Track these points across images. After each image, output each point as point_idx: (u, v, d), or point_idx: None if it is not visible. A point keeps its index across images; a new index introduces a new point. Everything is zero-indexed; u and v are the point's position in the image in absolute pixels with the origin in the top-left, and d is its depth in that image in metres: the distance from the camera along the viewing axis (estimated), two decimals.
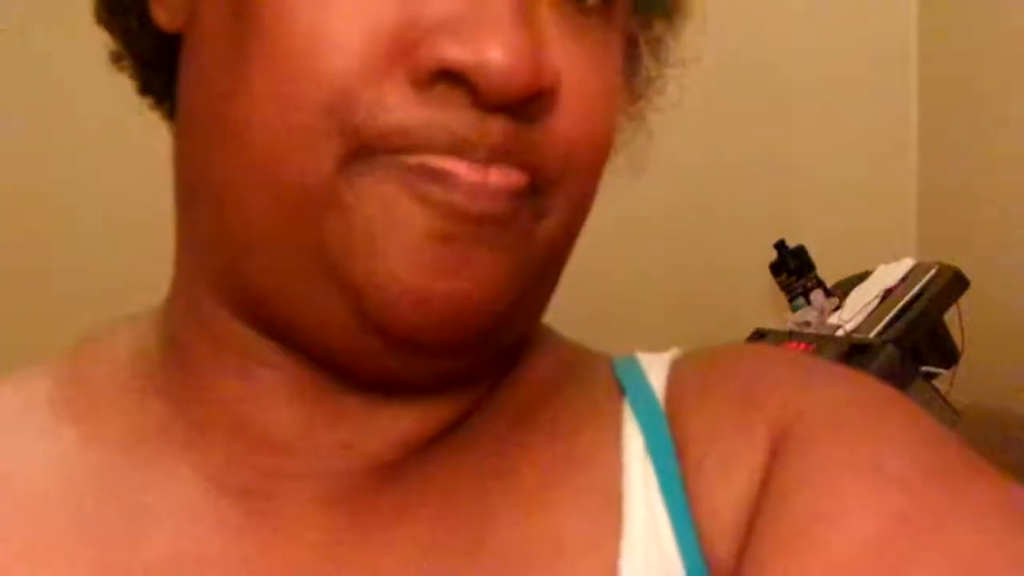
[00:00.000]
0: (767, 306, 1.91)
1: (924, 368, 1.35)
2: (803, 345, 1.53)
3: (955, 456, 0.41)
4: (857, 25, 2.07)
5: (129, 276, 1.72)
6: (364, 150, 0.38)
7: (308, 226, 0.39)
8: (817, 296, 1.69)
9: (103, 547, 0.42)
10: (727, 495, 0.43)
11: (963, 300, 1.41)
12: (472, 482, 0.45)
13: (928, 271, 1.44)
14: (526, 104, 0.38)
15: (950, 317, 1.42)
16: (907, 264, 1.52)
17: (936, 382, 1.37)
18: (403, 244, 0.38)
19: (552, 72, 0.39)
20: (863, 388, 0.45)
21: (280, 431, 0.44)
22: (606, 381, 0.50)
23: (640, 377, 0.49)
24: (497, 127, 0.38)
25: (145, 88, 0.51)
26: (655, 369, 0.50)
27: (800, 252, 1.78)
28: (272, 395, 0.44)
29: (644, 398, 0.48)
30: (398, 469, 0.45)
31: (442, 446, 0.46)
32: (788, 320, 1.73)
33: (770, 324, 1.78)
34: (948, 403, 1.34)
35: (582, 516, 0.43)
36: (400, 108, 0.37)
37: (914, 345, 1.35)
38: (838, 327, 1.54)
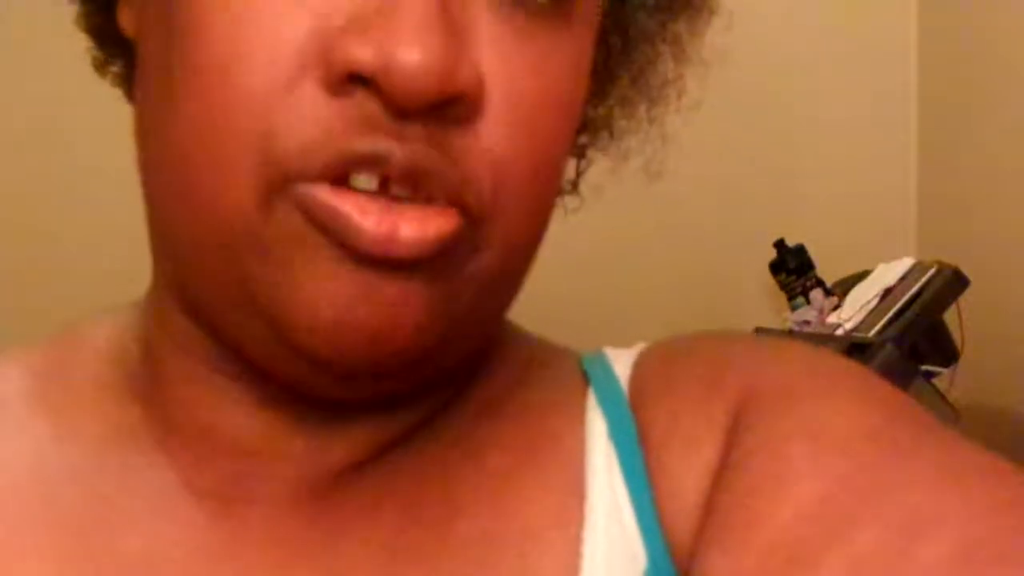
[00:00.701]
0: (767, 305, 1.92)
1: (924, 367, 1.35)
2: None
3: (904, 419, 0.41)
4: (857, 25, 2.07)
5: (125, 274, 1.72)
6: (282, 179, 0.36)
7: (232, 260, 0.38)
8: (817, 295, 1.69)
9: (74, 543, 0.42)
10: (688, 476, 0.42)
11: (963, 299, 1.41)
12: (438, 471, 0.45)
13: (927, 270, 1.44)
14: (442, 109, 0.36)
15: (950, 316, 1.42)
16: (907, 263, 1.52)
17: (935, 381, 1.37)
18: (316, 276, 0.37)
19: (471, 75, 0.36)
20: (817, 361, 0.45)
21: (244, 437, 0.44)
22: (572, 374, 0.49)
23: (606, 368, 0.49)
24: (414, 135, 0.36)
25: (131, 96, 0.51)
26: (621, 361, 0.49)
27: (800, 251, 1.78)
28: (234, 404, 0.44)
29: (608, 387, 0.47)
30: (364, 468, 0.45)
31: (408, 444, 0.46)
32: (788, 319, 1.74)
33: (770, 323, 1.78)
34: (947, 402, 1.34)
35: (547, 498, 0.43)
36: (313, 119, 0.36)
37: (914, 344, 1.35)
38: (838, 326, 1.54)
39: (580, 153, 0.55)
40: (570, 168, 0.55)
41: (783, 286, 1.79)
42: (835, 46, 2.07)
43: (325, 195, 0.36)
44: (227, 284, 0.39)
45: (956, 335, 1.43)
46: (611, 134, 0.53)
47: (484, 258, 0.40)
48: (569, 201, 0.56)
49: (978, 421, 1.63)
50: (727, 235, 2.02)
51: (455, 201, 0.37)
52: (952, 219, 1.94)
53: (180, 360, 0.45)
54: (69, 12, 0.51)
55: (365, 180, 0.36)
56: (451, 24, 0.36)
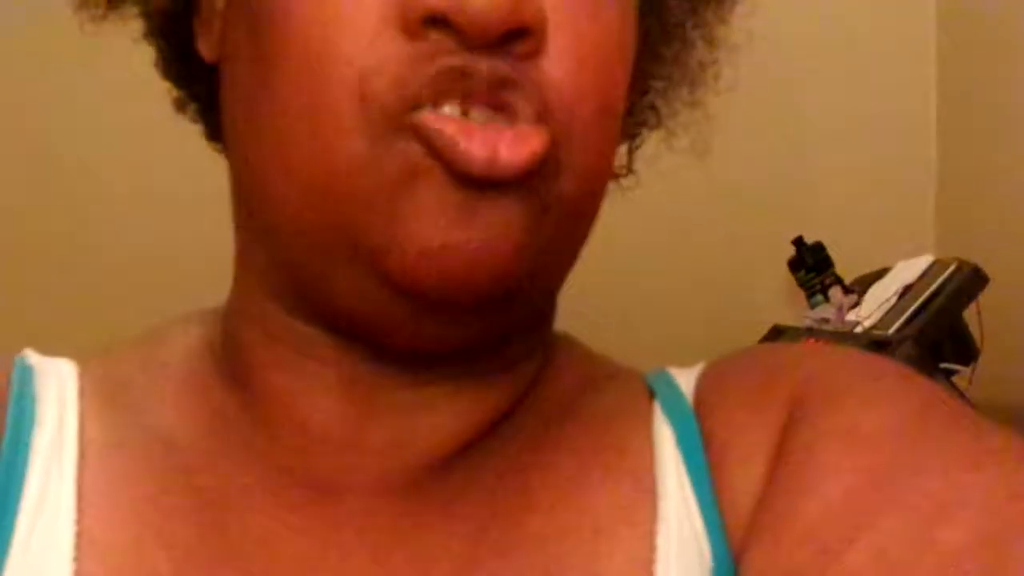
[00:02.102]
0: (785, 303, 1.91)
1: (943, 365, 1.34)
2: (821, 342, 1.52)
3: (935, 411, 0.43)
4: (876, 23, 2.06)
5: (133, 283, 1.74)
6: (383, 115, 0.40)
7: (336, 210, 0.41)
8: (835, 293, 1.69)
9: (203, 516, 0.45)
10: (746, 482, 0.45)
11: (982, 297, 1.40)
12: (514, 470, 0.48)
13: (947, 268, 1.44)
14: (510, 42, 0.39)
15: (969, 314, 1.42)
16: (926, 261, 1.52)
17: (955, 379, 1.36)
18: (418, 206, 0.40)
19: (534, 10, 0.40)
20: (862, 363, 0.48)
21: (334, 428, 0.47)
22: (637, 386, 0.52)
23: (670, 383, 0.52)
24: (485, 66, 0.40)
25: (211, 134, 0.55)
26: (684, 377, 0.52)
27: (818, 249, 1.78)
28: (323, 391, 0.47)
29: (674, 399, 0.50)
30: (446, 465, 0.47)
31: (485, 444, 0.49)
32: (806, 317, 1.73)
33: (788, 321, 1.77)
34: (967, 400, 1.33)
35: (618, 497, 0.46)
36: (397, 58, 0.40)
37: (933, 342, 1.35)
38: (856, 324, 1.54)
39: (631, 134, 0.59)
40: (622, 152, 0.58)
41: (802, 284, 1.78)
42: (853, 44, 2.06)
43: (437, 122, 0.39)
44: (330, 236, 0.42)
45: (976, 333, 1.42)
46: (658, 116, 0.57)
47: (566, 181, 0.43)
48: (624, 182, 0.60)
49: (998, 419, 1.61)
50: (746, 233, 2.01)
51: (539, 118, 0.41)
52: (971, 217, 1.93)
53: (268, 348, 0.48)
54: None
55: (450, 109, 0.40)
56: None
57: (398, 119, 0.40)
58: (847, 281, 1.73)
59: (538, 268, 0.44)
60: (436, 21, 0.39)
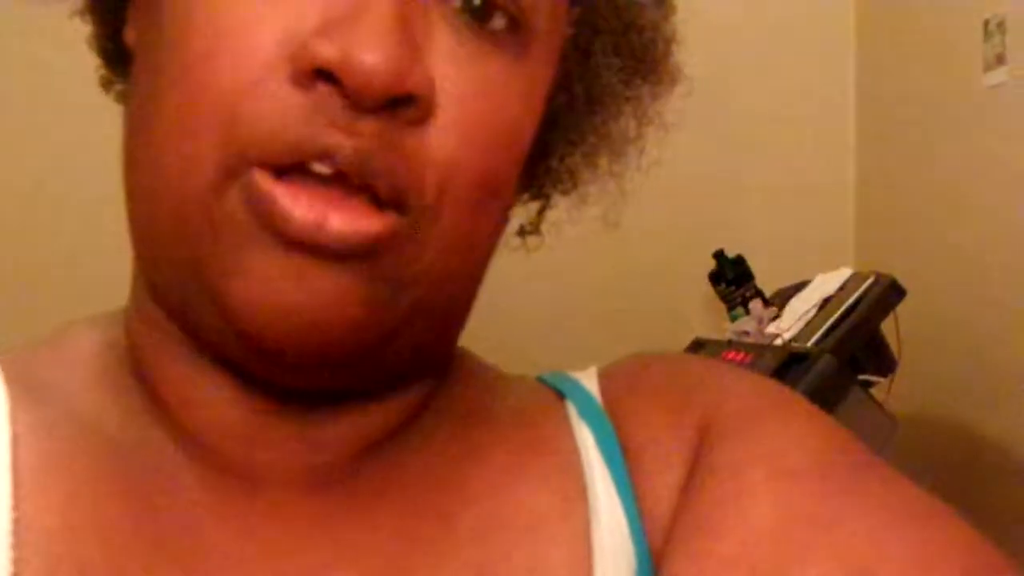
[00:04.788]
0: (706, 315, 1.92)
1: (862, 376, 1.35)
2: (742, 354, 1.53)
3: (851, 453, 0.46)
4: (796, 40, 2.09)
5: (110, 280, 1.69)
6: (237, 164, 0.40)
7: (187, 243, 0.41)
8: (756, 305, 1.70)
9: (127, 506, 0.44)
10: (663, 491, 0.47)
11: (900, 309, 1.42)
12: (441, 465, 0.48)
13: (865, 280, 1.45)
14: (394, 108, 0.40)
15: (887, 326, 1.43)
16: (845, 273, 1.53)
17: (873, 390, 1.38)
18: (254, 259, 0.40)
19: (422, 79, 0.40)
20: (769, 387, 0.51)
21: (238, 430, 0.47)
22: (541, 388, 0.54)
23: (575, 385, 0.53)
24: (367, 130, 0.39)
25: None
26: (585, 378, 0.54)
27: (739, 262, 1.79)
28: (222, 402, 0.47)
29: (585, 401, 0.51)
30: (363, 461, 0.48)
31: (403, 439, 0.49)
32: (727, 329, 1.74)
33: (709, 333, 1.78)
34: (885, 411, 1.34)
35: (551, 494, 0.47)
36: (277, 109, 0.39)
37: (852, 354, 1.36)
38: (776, 336, 1.54)
39: (542, 196, 0.59)
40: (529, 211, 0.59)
41: (722, 296, 1.79)
42: (774, 60, 2.08)
43: (265, 182, 0.39)
44: (183, 268, 0.42)
45: (894, 345, 1.44)
46: (574, 183, 0.57)
47: (427, 259, 0.42)
48: (531, 241, 0.61)
49: (916, 430, 1.64)
50: (667, 245, 2.02)
51: (397, 201, 0.41)
52: (889, 230, 1.96)
53: (167, 358, 0.47)
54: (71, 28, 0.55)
55: (322, 167, 0.40)
56: (409, 34, 0.40)
57: (244, 172, 0.40)
58: (767, 294, 1.74)
59: (399, 333, 0.44)
60: (325, 75, 0.39)
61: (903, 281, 1.41)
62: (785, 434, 0.46)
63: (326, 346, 0.41)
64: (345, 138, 0.39)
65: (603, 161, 0.56)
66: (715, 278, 1.81)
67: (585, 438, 0.49)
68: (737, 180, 2.06)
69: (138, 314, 0.49)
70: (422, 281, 0.43)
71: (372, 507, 0.46)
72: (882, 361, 1.41)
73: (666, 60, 0.55)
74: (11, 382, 0.47)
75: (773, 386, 0.51)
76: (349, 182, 0.40)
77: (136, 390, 0.48)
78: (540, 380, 0.55)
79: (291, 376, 0.44)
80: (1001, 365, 1.56)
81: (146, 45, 0.46)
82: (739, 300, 1.75)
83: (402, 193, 0.40)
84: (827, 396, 1.29)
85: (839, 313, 1.43)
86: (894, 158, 1.95)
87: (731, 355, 1.56)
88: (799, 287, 1.64)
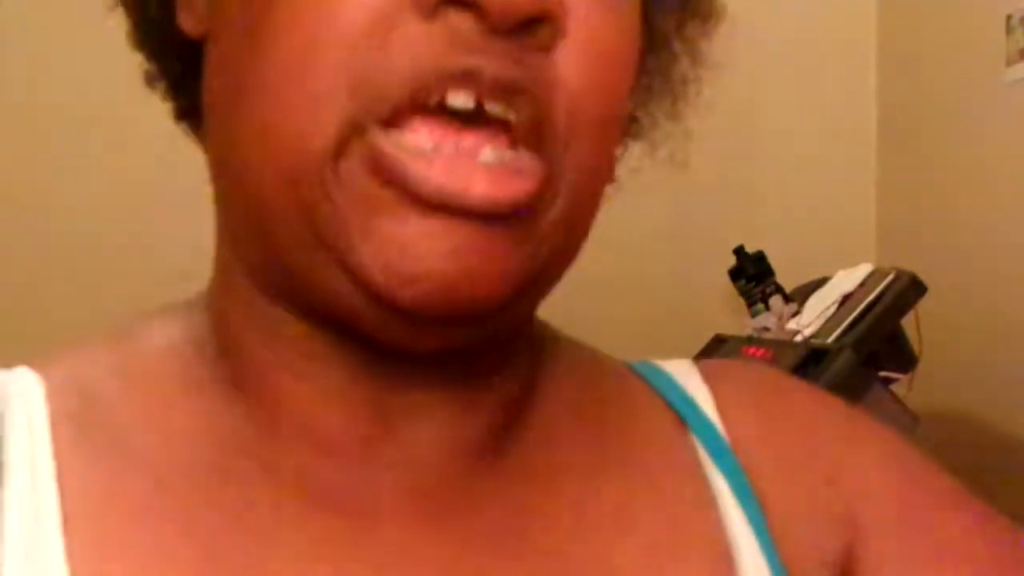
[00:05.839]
0: (726, 312, 1.91)
1: (882, 373, 1.35)
2: (762, 350, 1.53)
3: (1000, 522, 0.50)
4: (817, 36, 2.08)
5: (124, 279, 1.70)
6: (363, 120, 0.38)
7: (305, 203, 0.39)
8: (776, 302, 1.69)
9: (205, 555, 0.41)
10: (812, 562, 0.47)
11: (921, 305, 1.41)
12: (573, 482, 0.46)
13: (886, 276, 1.45)
14: (527, 29, 0.38)
15: (908, 322, 1.43)
16: (865, 269, 1.52)
17: (894, 387, 1.37)
18: (384, 224, 0.38)
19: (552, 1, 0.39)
20: (901, 450, 0.52)
21: (343, 434, 0.44)
22: (654, 401, 0.51)
23: (690, 403, 0.51)
24: (503, 51, 0.38)
25: (181, 113, 0.52)
26: (692, 386, 0.52)
27: (759, 258, 1.78)
28: (329, 394, 0.44)
29: (711, 436, 0.50)
30: (465, 482, 0.45)
31: (504, 451, 0.46)
32: (747, 326, 1.74)
33: (729, 330, 1.78)
34: (906, 408, 1.34)
35: (700, 556, 0.46)
36: (409, 45, 0.38)
37: (872, 350, 1.35)
38: (796, 332, 1.54)
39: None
40: None
41: (742, 293, 1.79)
42: (796, 56, 2.07)
43: (389, 144, 0.38)
44: (302, 229, 0.39)
45: (914, 341, 1.43)
46: (640, 126, 0.56)
47: (561, 201, 0.41)
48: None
49: (936, 427, 1.63)
50: (687, 242, 2.02)
51: (536, 135, 0.39)
52: (910, 226, 1.95)
53: (268, 348, 0.44)
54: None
55: (463, 98, 0.38)
56: None
57: (364, 135, 0.38)
58: (787, 290, 1.74)
59: (530, 286, 0.42)
60: (454, 1, 0.38)
61: (924, 277, 1.40)
62: (944, 519, 0.49)
63: (473, 302, 0.39)
64: (487, 60, 0.38)
65: (666, 104, 0.55)
66: (735, 274, 1.80)
67: (720, 486, 0.48)
68: (758, 176, 2.06)
69: (236, 311, 0.45)
70: (559, 224, 0.41)
71: (492, 545, 0.44)
72: (902, 357, 1.40)
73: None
74: (57, 418, 0.43)
75: (906, 450, 0.52)
76: (487, 118, 0.38)
77: (220, 403, 0.45)
78: (636, 373, 0.53)
79: (424, 337, 0.41)
80: (1023, 362, 1.55)
81: (226, 13, 0.43)
82: (759, 296, 1.74)
83: (540, 125, 0.39)
84: (847, 393, 1.28)
85: (859, 309, 1.42)
86: (915, 154, 1.94)
87: (751, 351, 1.56)
88: (819, 283, 1.64)
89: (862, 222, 2.06)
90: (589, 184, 0.43)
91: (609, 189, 0.48)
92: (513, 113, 0.38)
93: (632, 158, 0.57)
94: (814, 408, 0.53)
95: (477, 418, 0.46)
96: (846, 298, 1.49)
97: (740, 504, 0.47)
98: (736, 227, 1.93)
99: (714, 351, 1.74)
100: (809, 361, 1.37)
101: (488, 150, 0.39)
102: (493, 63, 0.38)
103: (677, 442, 0.49)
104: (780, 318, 1.63)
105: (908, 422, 1.32)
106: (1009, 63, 1.59)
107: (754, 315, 1.73)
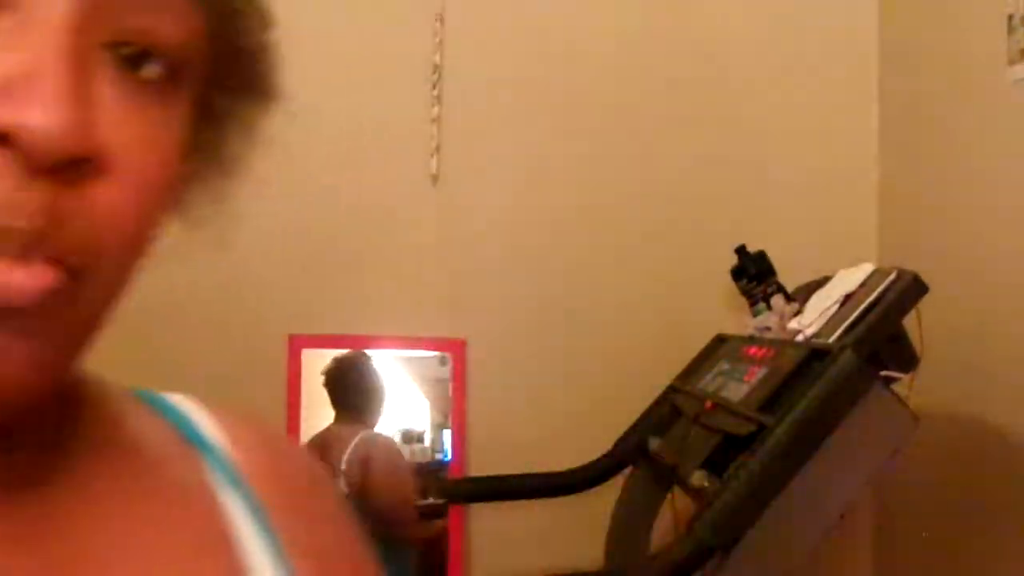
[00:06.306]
0: (728, 311, 1.92)
1: (883, 372, 1.35)
2: (764, 349, 1.53)
3: None
4: (819, 36, 2.09)
5: None
6: None
7: None
8: (778, 301, 1.69)
9: None
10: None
11: (922, 305, 1.41)
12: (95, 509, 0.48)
13: (887, 276, 1.44)
14: (69, 168, 0.40)
15: (909, 322, 1.43)
16: (866, 269, 1.52)
17: (895, 386, 1.37)
18: None
19: (93, 141, 0.40)
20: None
21: None
22: (173, 435, 0.55)
23: (201, 437, 0.56)
24: (41, 190, 0.39)
25: None
26: (200, 419, 0.57)
27: (761, 257, 1.78)
28: None
29: (221, 464, 0.55)
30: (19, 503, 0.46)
31: (31, 486, 0.47)
32: (749, 325, 1.74)
33: (731, 329, 1.78)
34: (907, 407, 1.34)
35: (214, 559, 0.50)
36: None
37: (874, 349, 1.35)
38: (798, 332, 1.54)
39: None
40: None
41: (744, 292, 1.79)
42: (798, 57, 2.08)
43: None
44: None
45: (916, 340, 1.43)
46: (184, 204, 0.56)
47: (82, 311, 0.43)
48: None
49: (937, 426, 1.63)
50: (689, 241, 2.02)
51: (59, 259, 0.40)
52: (912, 225, 1.95)
53: None
54: None
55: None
56: (80, 96, 0.40)
57: None
58: (789, 289, 1.74)
59: (60, 380, 0.44)
60: (2, 139, 0.38)
61: (926, 277, 1.40)
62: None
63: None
64: (23, 198, 0.39)
65: (215, 183, 0.56)
66: (737, 274, 1.81)
67: (235, 506, 0.53)
68: (760, 176, 2.06)
69: None
70: (87, 327, 0.44)
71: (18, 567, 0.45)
72: (904, 357, 1.40)
73: (270, 77, 0.55)
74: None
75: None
76: (22, 240, 0.39)
77: None
78: (144, 400, 0.56)
79: None
80: (1023, 361, 1.55)
81: None
82: (761, 296, 1.74)
83: (65, 253, 0.41)
84: (848, 392, 1.29)
85: (861, 309, 1.42)
86: (917, 153, 1.94)
87: (753, 350, 1.56)
88: (821, 283, 1.64)
89: (863, 222, 2.06)
90: (115, 295, 0.45)
91: None
92: (45, 243, 0.40)
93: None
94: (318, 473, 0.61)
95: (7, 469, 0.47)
96: (847, 298, 1.49)
97: (253, 521, 0.53)
98: (738, 226, 1.93)
99: (716, 350, 1.74)
100: (811, 360, 1.37)
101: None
102: (30, 202, 0.39)
103: (194, 467, 0.54)
104: (782, 317, 1.64)
105: (909, 422, 1.32)
106: (1010, 63, 1.59)
107: (756, 314, 1.74)
